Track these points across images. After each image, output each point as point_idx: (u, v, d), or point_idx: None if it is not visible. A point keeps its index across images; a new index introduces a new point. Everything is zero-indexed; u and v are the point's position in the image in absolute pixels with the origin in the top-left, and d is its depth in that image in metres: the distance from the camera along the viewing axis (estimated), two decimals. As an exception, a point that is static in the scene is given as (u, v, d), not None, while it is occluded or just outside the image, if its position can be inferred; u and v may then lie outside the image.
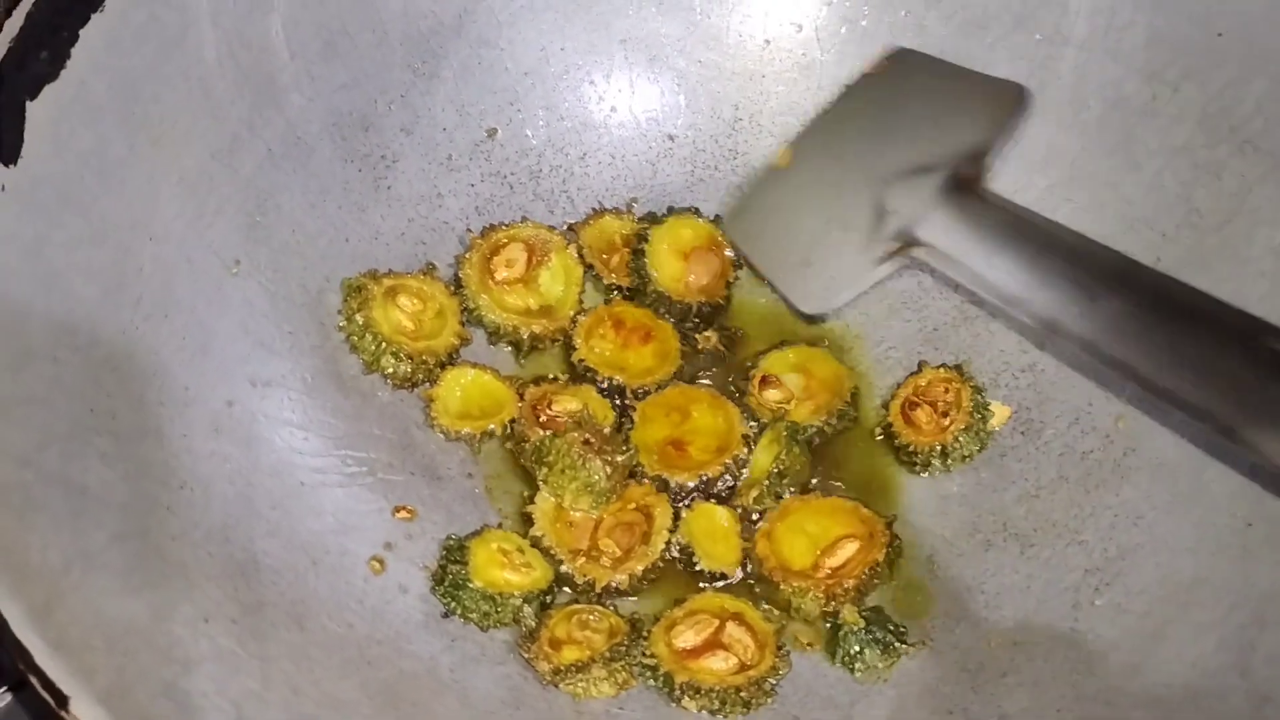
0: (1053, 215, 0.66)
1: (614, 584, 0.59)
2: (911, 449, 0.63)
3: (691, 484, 0.62)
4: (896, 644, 0.58)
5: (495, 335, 0.67)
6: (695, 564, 0.60)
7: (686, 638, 0.57)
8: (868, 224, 0.57)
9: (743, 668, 0.56)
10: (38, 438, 0.50)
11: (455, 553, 0.59)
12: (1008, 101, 0.58)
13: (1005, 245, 0.51)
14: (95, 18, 0.57)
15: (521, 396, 0.65)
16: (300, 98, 0.65)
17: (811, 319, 0.65)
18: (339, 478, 0.61)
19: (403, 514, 0.61)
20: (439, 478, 0.64)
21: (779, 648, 0.57)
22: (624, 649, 0.56)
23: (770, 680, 0.56)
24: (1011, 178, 0.68)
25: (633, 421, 0.64)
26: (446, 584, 0.58)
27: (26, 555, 0.45)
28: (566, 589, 0.60)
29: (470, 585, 0.58)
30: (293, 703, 0.50)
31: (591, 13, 0.71)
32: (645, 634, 0.58)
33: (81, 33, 0.57)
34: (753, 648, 0.57)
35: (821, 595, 0.58)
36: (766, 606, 0.60)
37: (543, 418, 0.63)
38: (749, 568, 0.61)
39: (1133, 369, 0.47)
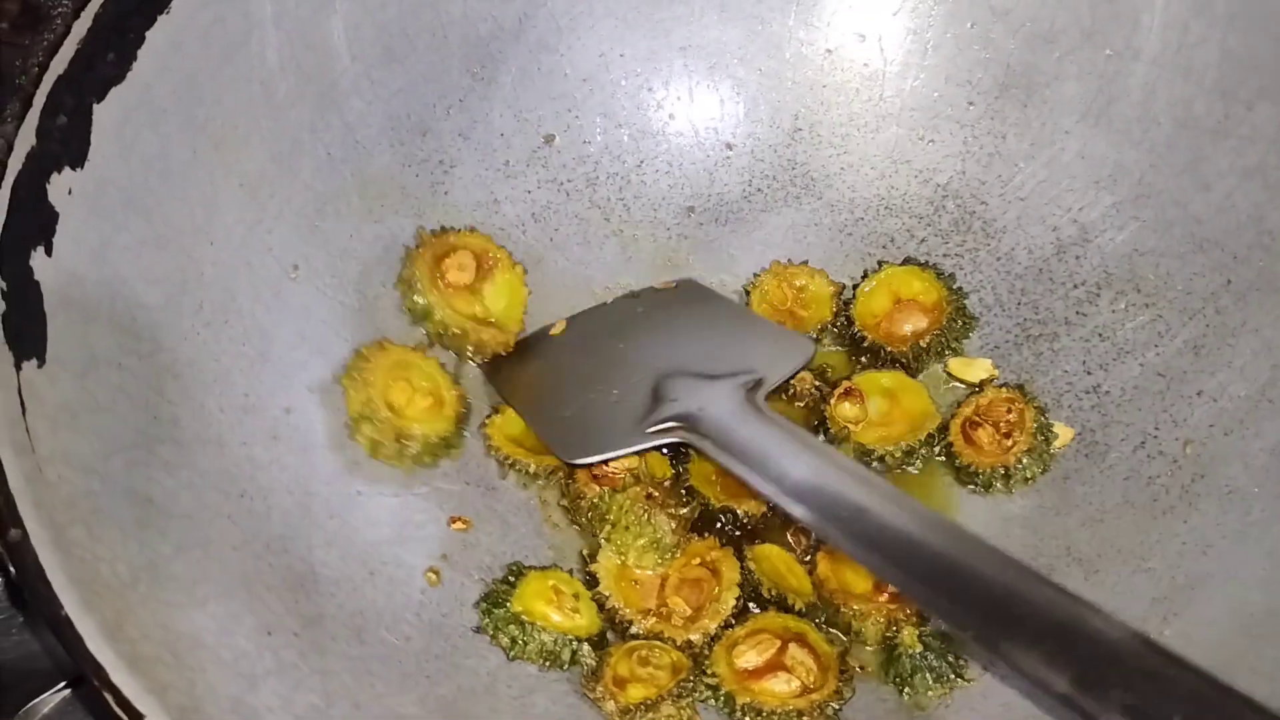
0: (1119, 233, 0.66)
1: (690, 642, 0.58)
2: (973, 469, 0.62)
3: (760, 514, 0.61)
4: (952, 675, 0.57)
5: (441, 337, 0.65)
6: (764, 596, 0.59)
7: (749, 658, 0.56)
8: (642, 401, 0.61)
9: (805, 691, 0.56)
10: (104, 446, 0.49)
11: (512, 574, 0.59)
12: (797, 354, 0.63)
13: (792, 452, 0.55)
14: (161, 19, 0.56)
15: None
16: (360, 101, 0.65)
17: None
18: (394, 486, 0.61)
19: (458, 525, 0.61)
20: (493, 488, 0.63)
21: (842, 671, 0.57)
22: (690, 684, 0.55)
23: (833, 705, 0.56)
24: (1077, 195, 0.67)
25: (687, 471, 0.62)
26: (488, 599, 0.58)
27: (97, 568, 0.44)
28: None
29: (506, 606, 0.57)
30: (354, 718, 0.50)
31: (652, 19, 0.70)
32: (706, 662, 0.57)
33: (148, 34, 0.56)
34: (815, 670, 0.56)
35: (883, 620, 0.58)
36: (828, 629, 0.59)
37: (598, 473, 0.61)
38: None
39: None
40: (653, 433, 0.59)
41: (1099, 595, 0.58)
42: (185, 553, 0.50)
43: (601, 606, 0.59)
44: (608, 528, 0.60)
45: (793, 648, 0.57)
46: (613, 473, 0.61)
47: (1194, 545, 0.58)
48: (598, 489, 0.61)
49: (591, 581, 0.59)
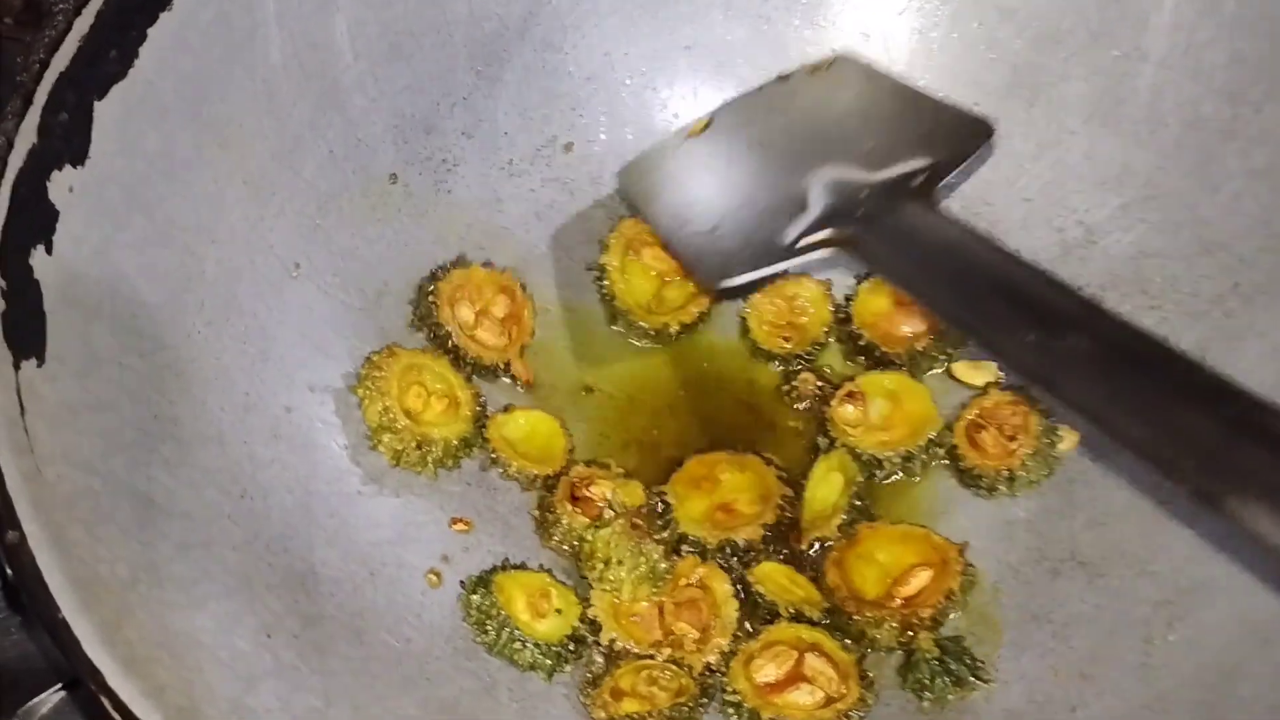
0: (1126, 235, 0.66)
1: (709, 664, 0.57)
2: (976, 472, 0.62)
3: (759, 537, 0.60)
4: (970, 678, 0.56)
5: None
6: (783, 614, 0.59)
7: (767, 671, 0.56)
8: (793, 209, 0.53)
9: (829, 700, 0.55)
10: (104, 445, 0.49)
11: (508, 565, 0.59)
12: (971, 138, 0.54)
13: (955, 266, 0.47)
14: (164, 16, 0.56)
15: (567, 470, 0.62)
16: (363, 99, 0.65)
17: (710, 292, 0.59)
18: (395, 486, 0.61)
19: (459, 526, 0.61)
20: (495, 489, 0.63)
21: (862, 678, 0.56)
22: (687, 709, 0.55)
23: (859, 712, 0.55)
24: (1084, 196, 0.67)
25: (672, 514, 0.61)
26: (475, 589, 0.57)
27: (96, 568, 0.44)
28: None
29: (490, 586, 0.57)
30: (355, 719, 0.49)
31: (657, 18, 0.70)
32: (725, 680, 0.56)
33: (150, 31, 0.56)
34: (836, 679, 0.56)
35: (896, 625, 0.57)
36: (842, 637, 0.58)
37: (578, 495, 0.60)
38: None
39: (1094, 414, 0.44)
40: (804, 246, 0.51)
41: (1102, 599, 0.58)
42: (185, 552, 0.49)
43: (611, 648, 0.58)
44: (599, 567, 0.59)
45: (810, 658, 0.56)
46: (591, 496, 0.60)
47: (1199, 549, 0.58)
48: (576, 514, 0.60)
49: (595, 628, 0.58)
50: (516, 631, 0.56)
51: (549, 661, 0.57)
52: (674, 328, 0.66)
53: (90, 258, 0.52)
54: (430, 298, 0.64)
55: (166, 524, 0.50)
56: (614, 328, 0.67)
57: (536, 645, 0.56)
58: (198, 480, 0.52)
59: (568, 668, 0.57)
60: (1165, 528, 0.59)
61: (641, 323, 0.66)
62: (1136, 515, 0.60)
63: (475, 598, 0.57)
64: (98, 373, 0.51)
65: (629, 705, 0.55)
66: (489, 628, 0.56)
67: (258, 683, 0.47)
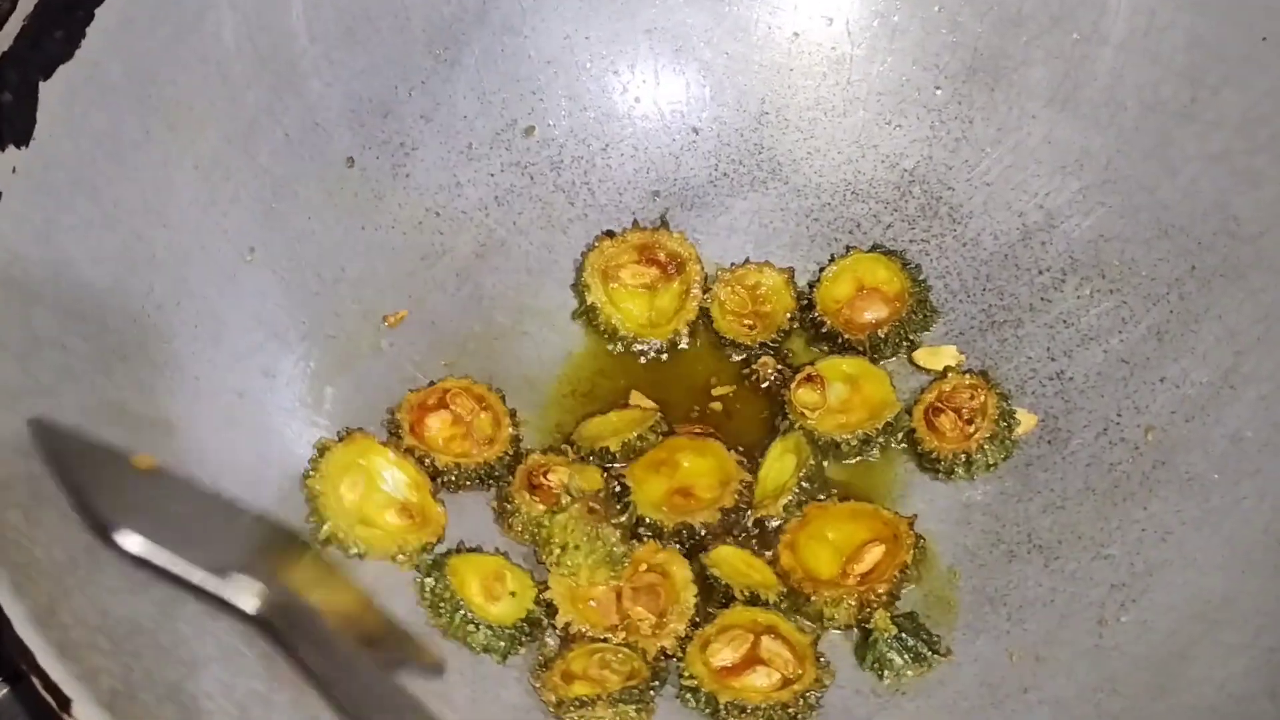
0: (1085, 218, 0.66)
1: (664, 649, 0.57)
2: (934, 455, 0.62)
3: (716, 520, 0.60)
4: (928, 653, 0.56)
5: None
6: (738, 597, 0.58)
7: (724, 655, 0.56)
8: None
9: (786, 682, 0.55)
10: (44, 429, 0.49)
11: (457, 551, 0.59)
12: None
13: None
14: (111, -5, 0.56)
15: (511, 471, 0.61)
16: (319, 83, 0.64)
17: None
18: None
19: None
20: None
21: (818, 658, 0.56)
22: (637, 692, 0.55)
23: (815, 693, 0.55)
24: (1044, 180, 0.67)
25: (631, 498, 0.60)
26: (430, 573, 0.57)
27: (32, 551, 0.44)
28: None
29: (444, 568, 0.57)
30: (300, 703, 0.49)
31: (617, 1, 0.70)
32: (681, 665, 0.56)
33: (97, 11, 0.55)
34: (792, 661, 0.55)
35: (854, 603, 0.57)
36: (799, 619, 0.58)
37: (536, 483, 0.60)
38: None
39: None
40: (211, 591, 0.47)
41: (1057, 582, 0.58)
42: (128, 537, 0.49)
43: (567, 631, 0.57)
44: (556, 552, 0.58)
45: (765, 640, 0.56)
46: (549, 484, 0.60)
47: (1153, 532, 0.58)
48: (535, 503, 0.59)
49: (551, 611, 0.58)
50: (470, 614, 0.56)
51: (503, 644, 0.56)
52: (683, 330, 0.66)
53: (32, 239, 0.52)
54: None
55: (109, 508, 0.49)
56: (614, 349, 0.67)
57: (490, 628, 0.56)
58: (143, 465, 0.52)
59: (522, 650, 0.57)
60: (1120, 511, 0.59)
61: (652, 339, 0.66)
62: (1092, 499, 0.60)
63: (429, 580, 0.57)
64: (39, 356, 0.50)
65: (579, 688, 0.55)
66: (442, 610, 0.56)
67: (199, 668, 0.47)
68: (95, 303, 0.54)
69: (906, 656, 0.56)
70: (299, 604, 0.47)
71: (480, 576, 0.58)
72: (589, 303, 0.67)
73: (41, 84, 0.53)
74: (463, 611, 0.56)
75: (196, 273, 0.59)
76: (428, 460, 0.60)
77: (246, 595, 0.46)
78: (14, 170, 0.51)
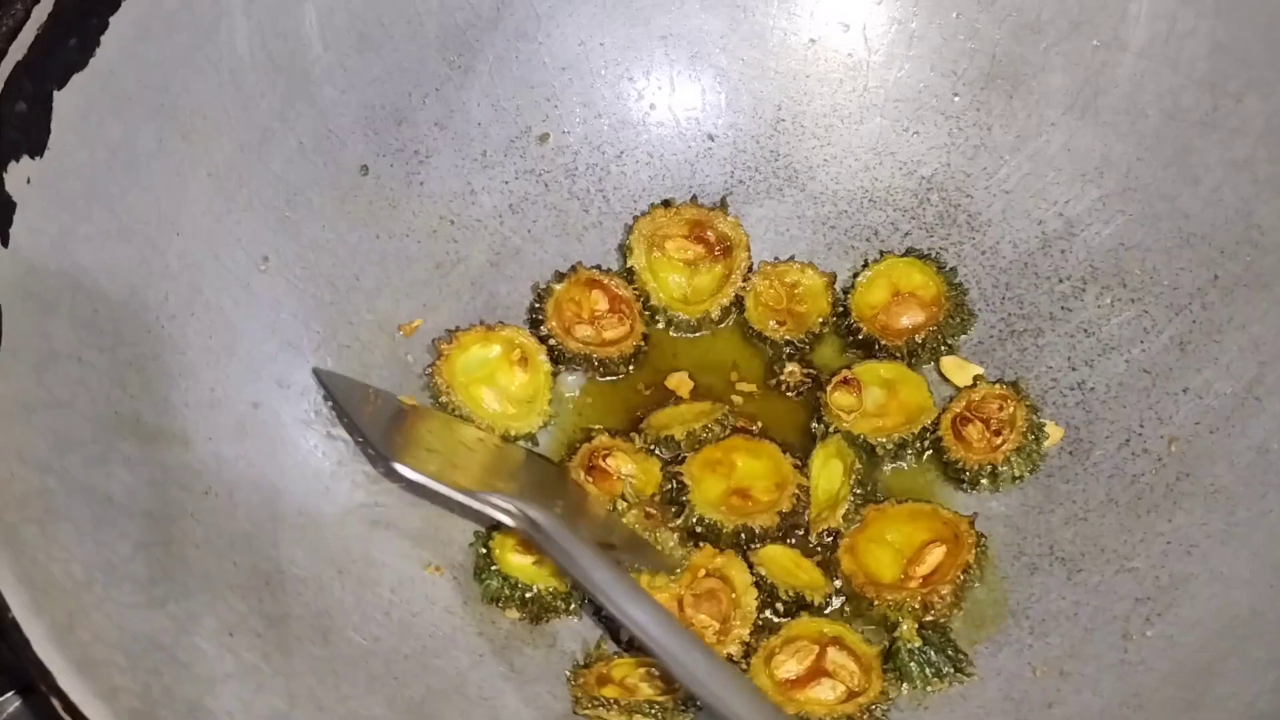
0: (1105, 227, 0.65)
1: (731, 657, 0.56)
2: (960, 465, 0.61)
3: (775, 524, 0.59)
4: (950, 670, 0.56)
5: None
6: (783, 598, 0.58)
7: (789, 667, 0.55)
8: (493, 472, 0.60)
9: (851, 695, 0.54)
10: (61, 442, 0.48)
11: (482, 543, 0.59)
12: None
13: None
14: (126, 4, 0.55)
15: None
16: (333, 90, 0.64)
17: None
18: (364, 480, 0.60)
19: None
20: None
21: (885, 670, 0.55)
22: (653, 711, 0.54)
23: (882, 706, 0.54)
24: (1063, 188, 0.66)
25: (689, 501, 0.60)
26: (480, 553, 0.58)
27: (49, 568, 0.43)
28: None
29: (494, 569, 0.58)
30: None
31: (632, 7, 0.69)
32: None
33: (112, 20, 0.55)
34: (858, 673, 0.55)
35: (918, 606, 0.56)
36: (864, 627, 0.58)
37: (595, 464, 0.60)
38: (839, 587, 0.59)
39: None
40: (493, 502, 0.56)
41: (1081, 595, 0.58)
42: (144, 551, 0.49)
43: (631, 643, 0.57)
44: None
45: (831, 652, 0.55)
46: (607, 467, 0.60)
47: (1178, 545, 0.57)
48: (589, 484, 0.59)
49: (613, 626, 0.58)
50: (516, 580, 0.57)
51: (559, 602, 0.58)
52: (715, 313, 0.66)
53: (48, 250, 0.51)
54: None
55: (126, 523, 0.49)
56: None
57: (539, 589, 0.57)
58: (159, 478, 0.52)
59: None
60: (1144, 523, 0.59)
61: (682, 315, 0.66)
62: (1115, 511, 0.60)
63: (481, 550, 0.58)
64: (55, 368, 0.50)
65: (609, 691, 0.54)
66: (490, 582, 0.58)
67: (218, 684, 0.46)
68: (110, 314, 0.53)
69: (927, 671, 0.56)
70: (548, 517, 0.55)
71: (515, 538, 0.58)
72: (628, 265, 0.67)
73: (56, 93, 0.52)
74: (505, 578, 0.58)
75: (210, 282, 0.58)
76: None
77: (503, 512, 0.55)
78: (29, 180, 0.51)
